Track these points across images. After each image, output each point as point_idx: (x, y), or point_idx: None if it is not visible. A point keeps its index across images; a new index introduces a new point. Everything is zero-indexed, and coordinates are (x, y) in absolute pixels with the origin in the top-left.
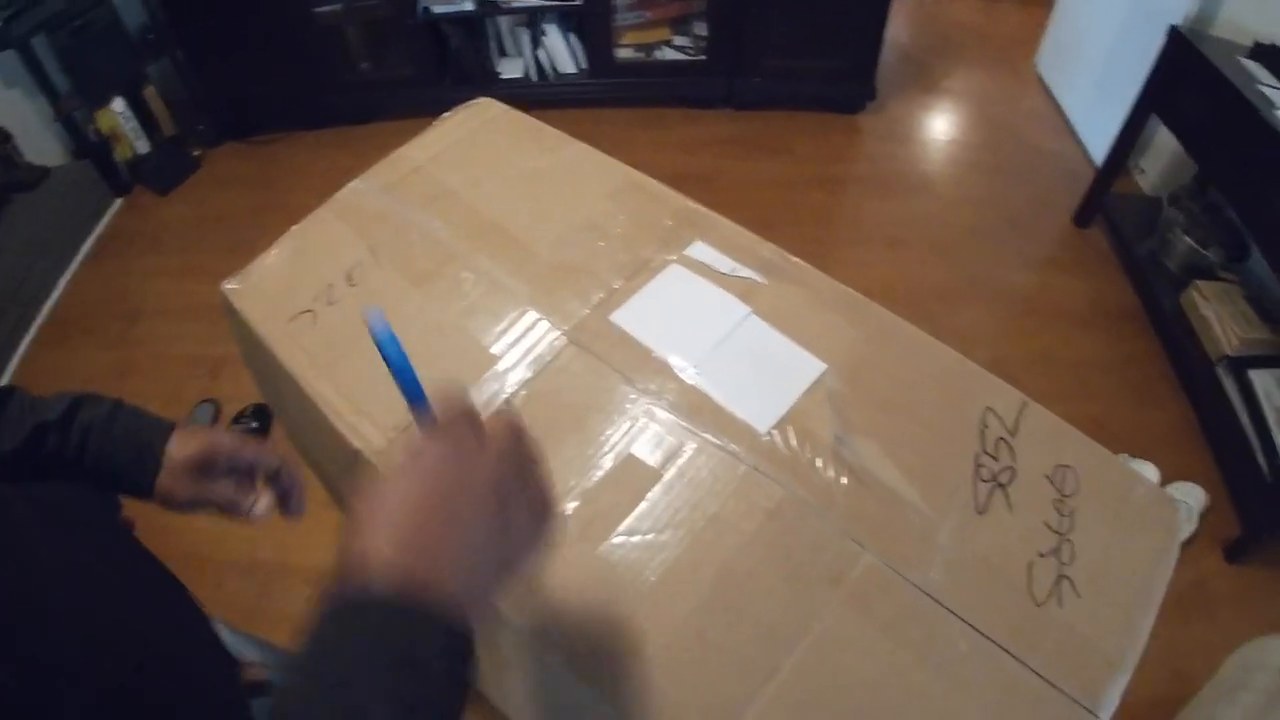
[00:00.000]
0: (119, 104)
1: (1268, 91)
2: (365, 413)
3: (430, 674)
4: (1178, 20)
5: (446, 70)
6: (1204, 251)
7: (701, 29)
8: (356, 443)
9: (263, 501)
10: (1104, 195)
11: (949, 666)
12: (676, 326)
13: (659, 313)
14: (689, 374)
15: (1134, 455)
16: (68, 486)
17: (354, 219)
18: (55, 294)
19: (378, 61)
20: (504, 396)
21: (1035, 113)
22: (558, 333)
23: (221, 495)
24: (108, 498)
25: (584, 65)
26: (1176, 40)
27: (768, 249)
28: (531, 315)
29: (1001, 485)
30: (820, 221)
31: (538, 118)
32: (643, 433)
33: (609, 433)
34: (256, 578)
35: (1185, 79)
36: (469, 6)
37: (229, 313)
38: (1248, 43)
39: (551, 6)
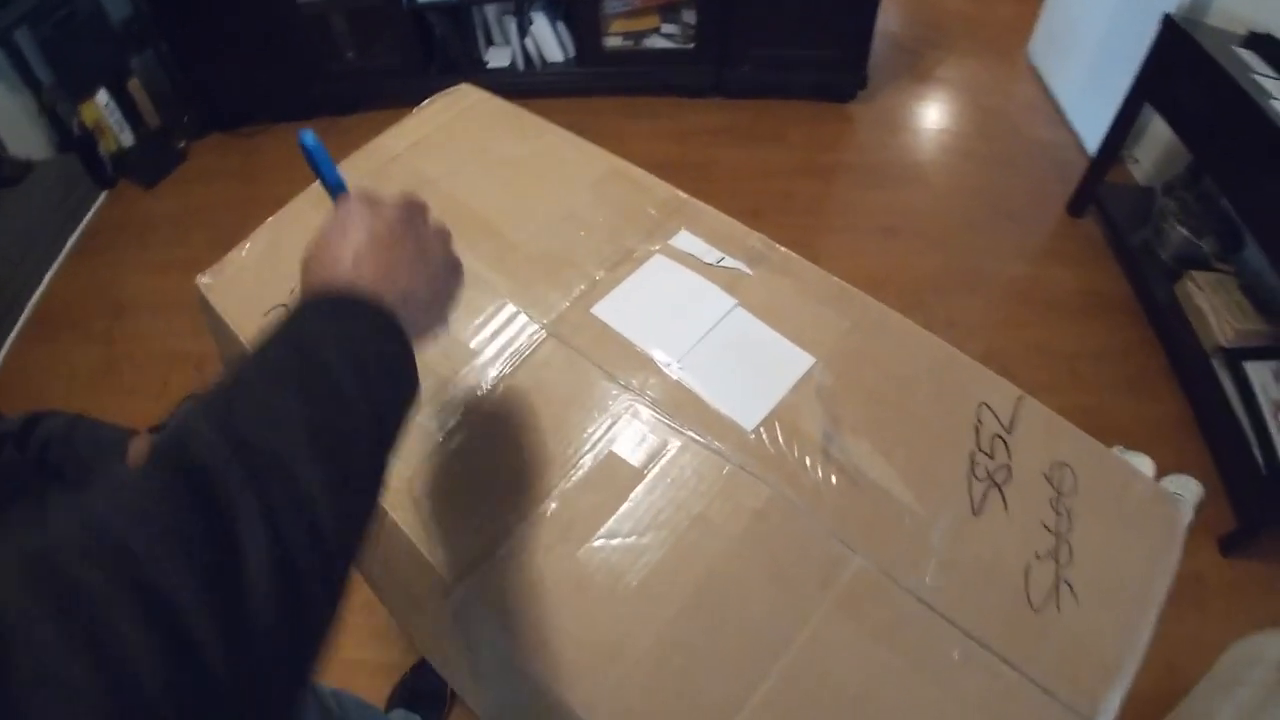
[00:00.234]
0: (103, 96)
1: (1262, 81)
2: None
3: (377, 356)
4: (1171, 8)
5: (433, 60)
6: (1198, 242)
7: (691, 17)
8: None
9: None
10: (1098, 185)
11: (942, 674)
12: (660, 319)
13: (642, 305)
14: (673, 369)
15: (1129, 447)
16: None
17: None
18: (41, 289)
19: (363, 51)
20: (482, 391)
21: (1028, 102)
22: (537, 326)
23: None
24: None
25: (572, 54)
26: (1170, 29)
27: (755, 239)
28: (510, 308)
29: (997, 484)
30: (811, 211)
31: (525, 107)
32: (624, 430)
33: (590, 430)
34: None
35: (1179, 68)
36: None
37: (204, 308)
38: (1242, 31)
39: None
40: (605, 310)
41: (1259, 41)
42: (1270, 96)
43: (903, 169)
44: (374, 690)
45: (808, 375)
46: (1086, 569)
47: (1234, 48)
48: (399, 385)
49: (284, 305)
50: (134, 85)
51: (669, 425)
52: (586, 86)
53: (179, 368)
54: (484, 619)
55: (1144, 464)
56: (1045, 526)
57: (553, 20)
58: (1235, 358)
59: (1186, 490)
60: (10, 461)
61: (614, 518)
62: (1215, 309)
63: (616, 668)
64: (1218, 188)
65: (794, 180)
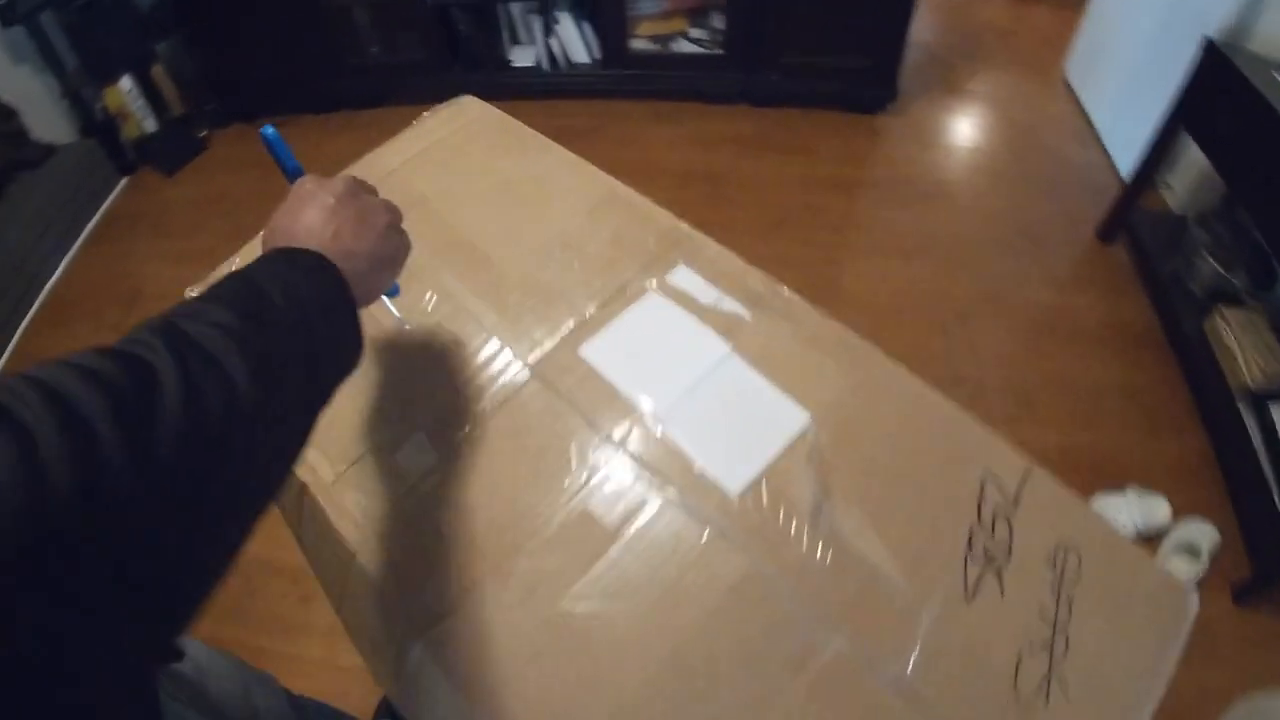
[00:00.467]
0: (126, 82)
1: None
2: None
3: (313, 295)
4: (1213, 32)
5: (457, 57)
6: (1229, 276)
7: (719, 21)
8: (301, 474)
9: None
10: (1130, 211)
11: None
12: (650, 364)
13: (632, 347)
14: (658, 420)
15: (1145, 487)
16: None
17: None
18: (56, 274)
19: (387, 45)
20: (462, 432)
21: (1062, 121)
22: (521, 364)
23: None
24: None
25: (597, 55)
26: (1212, 53)
27: (756, 278)
28: (494, 344)
29: (995, 566)
30: (833, 227)
31: (549, 107)
32: (602, 486)
33: (566, 482)
34: (242, 573)
35: (1219, 94)
36: None
37: None
38: None
39: None
40: (593, 351)
41: None
42: None
43: (930, 186)
44: (363, 699)
45: (801, 435)
46: (1082, 666)
47: (1277, 75)
48: (334, 326)
49: None
50: (158, 72)
51: (649, 483)
52: (611, 88)
53: None
54: (439, 679)
55: (1160, 506)
56: (1043, 616)
57: (578, 20)
58: (1262, 400)
59: (1202, 536)
60: None
61: (582, 581)
62: (1244, 348)
63: None
64: (1251, 220)
65: (818, 194)
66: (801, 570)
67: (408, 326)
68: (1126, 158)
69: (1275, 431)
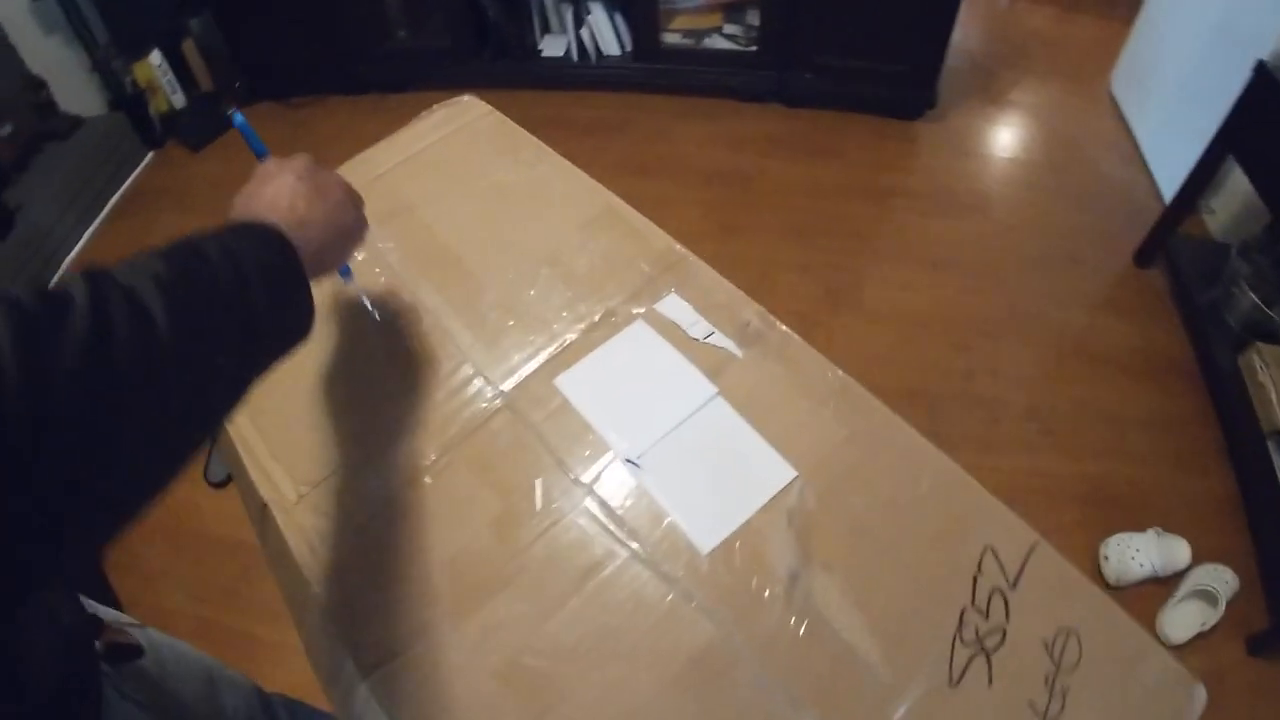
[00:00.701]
0: (156, 56)
1: None
2: (280, 459)
3: (257, 262)
4: (1265, 54)
5: (486, 44)
6: (1269, 311)
7: (754, 18)
8: (265, 493)
9: None
10: (1169, 235)
11: None
12: (629, 401)
13: (611, 381)
14: (632, 465)
15: (1166, 529)
16: None
17: None
18: (79, 245)
19: (416, 30)
20: (427, 462)
21: (1105, 136)
22: (494, 391)
23: None
24: None
25: (628, 48)
26: (1262, 76)
27: (752, 311)
28: (468, 368)
29: (986, 651)
30: (860, 234)
31: (578, 99)
32: (565, 534)
33: (527, 528)
34: (239, 559)
35: (1268, 119)
36: None
37: None
38: None
39: None
40: (569, 383)
41: None
42: None
43: (964, 197)
44: None
45: (784, 492)
46: None
47: None
48: (277, 289)
49: None
50: (188, 47)
51: (614, 535)
52: (641, 82)
53: None
54: None
55: (1180, 549)
56: (1033, 708)
57: (611, 12)
58: None
59: (1220, 582)
60: None
61: (534, 635)
62: (1278, 387)
63: None
64: None
65: (846, 200)
66: (770, 643)
67: (377, 317)
68: (1169, 178)
69: None
